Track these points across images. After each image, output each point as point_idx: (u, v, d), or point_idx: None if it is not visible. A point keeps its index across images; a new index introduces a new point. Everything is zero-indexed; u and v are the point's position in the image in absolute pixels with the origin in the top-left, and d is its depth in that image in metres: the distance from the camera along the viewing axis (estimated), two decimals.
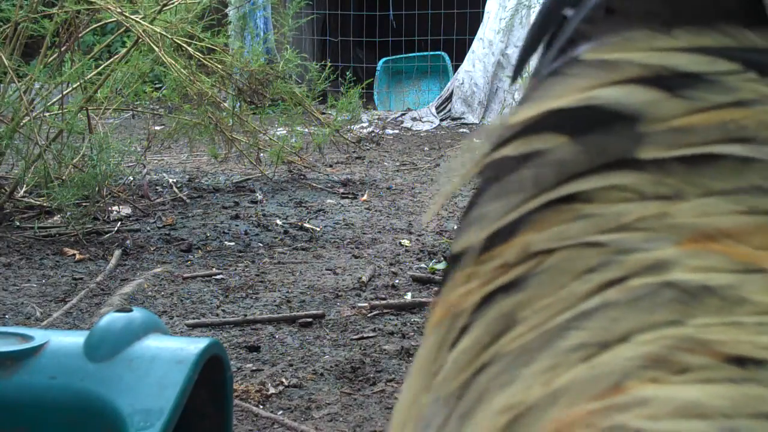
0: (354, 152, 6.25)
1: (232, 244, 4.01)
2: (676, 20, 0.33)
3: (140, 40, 4.45)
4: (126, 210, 4.49)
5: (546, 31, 0.38)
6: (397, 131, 7.73)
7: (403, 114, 8.35)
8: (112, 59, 4.76)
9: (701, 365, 0.29)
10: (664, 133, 0.32)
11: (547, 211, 0.34)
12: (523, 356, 0.32)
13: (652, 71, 0.33)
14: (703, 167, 0.31)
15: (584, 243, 0.32)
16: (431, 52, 9.43)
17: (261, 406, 2.42)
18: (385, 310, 3.14)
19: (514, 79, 0.41)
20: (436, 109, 8.26)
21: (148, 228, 4.25)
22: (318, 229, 4.29)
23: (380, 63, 9.36)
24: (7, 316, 3.07)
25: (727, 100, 0.32)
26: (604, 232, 0.32)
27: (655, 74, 0.33)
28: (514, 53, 8.18)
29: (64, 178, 4.16)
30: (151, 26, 4.37)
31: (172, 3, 4.58)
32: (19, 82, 4.20)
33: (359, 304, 3.19)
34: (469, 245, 0.36)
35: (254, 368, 2.67)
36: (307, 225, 4.33)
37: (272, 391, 2.50)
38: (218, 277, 3.53)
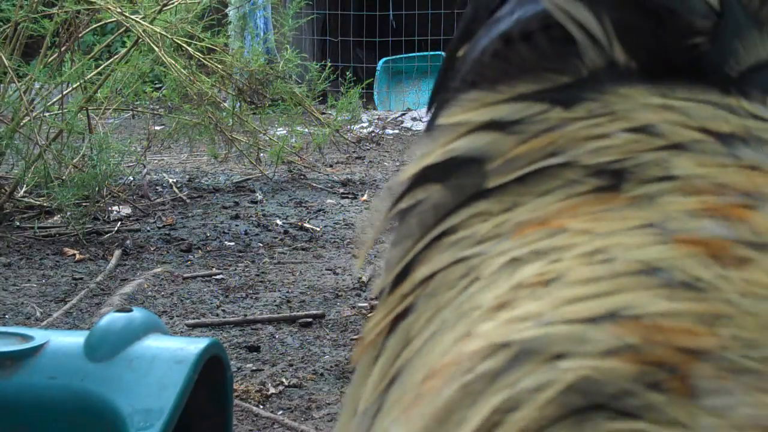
0: (354, 152, 6.25)
1: (232, 244, 4.01)
2: (504, 78, 0.45)
3: (140, 40, 4.46)
4: (126, 210, 4.49)
5: (437, 95, 0.50)
6: (397, 131, 7.73)
7: (403, 114, 8.35)
8: (112, 59, 4.77)
9: (525, 295, 0.39)
10: (503, 164, 0.43)
11: (430, 248, 0.44)
12: (417, 358, 0.41)
13: (487, 121, 0.44)
14: (532, 180, 0.43)
15: (454, 261, 0.43)
16: (431, 52, 9.42)
17: (261, 406, 2.42)
18: None
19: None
20: None
21: (148, 228, 4.25)
22: (318, 229, 4.29)
23: (380, 63, 9.36)
24: (7, 316, 3.07)
25: (541, 129, 0.43)
26: (467, 248, 0.42)
27: (489, 122, 0.44)
28: None
29: (64, 178, 4.16)
30: (151, 26, 4.38)
31: (172, 3, 4.58)
32: (19, 82, 4.20)
33: (359, 304, 3.20)
34: (381, 289, 0.46)
35: (254, 368, 2.67)
36: (307, 225, 4.34)
37: (272, 391, 2.50)
38: (218, 277, 3.53)
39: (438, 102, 0.48)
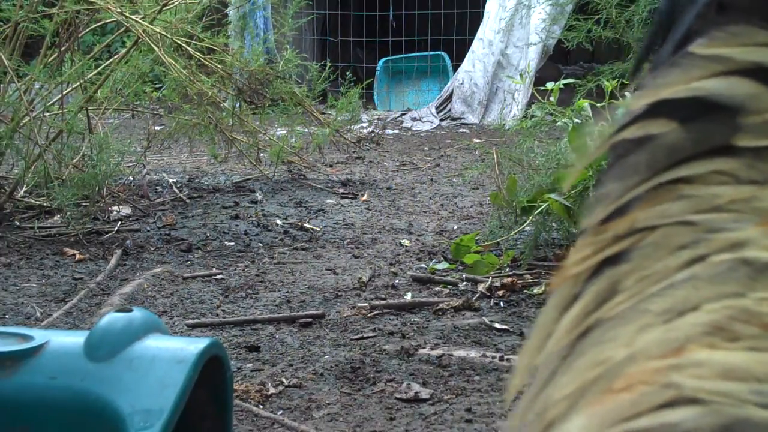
0: (354, 152, 6.25)
1: (232, 244, 4.01)
2: None
3: (140, 40, 4.45)
4: (126, 210, 4.49)
5: (664, 29, 0.42)
6: (397, 131, 7.73)
7: (403, 114, 8.35)
8: (112, 59, 4.76)
9: (750, 334, 0.32)
10: (760, 125, 0.36)
11: (656, 191, 0.38)
12: (620, 321, 0.36)
13: (752, 66, 0.37)
14: None
15: (681, 221, 0.37)
16: (431, 52, 9.42)
17: (261, 406, 2.42)
18: (385, 310, 3.14)
19: (633, 75, 0.45)
20: (436, 109, 8.26)
21: (148, 228, 4.25)
22: (318, 229, 4.29)
23: (380, 63, 9.35)
24: (7, 316, 3.07)
25: None
26: (699, 212, 0.36)
27: (755, 69, 0.37)
28: (514, 53, 8.17)
29: (64, 178, 4.16)
30: (150, 26, 4.37)
31: (172, 3, 4.58)
32: (19, 82, 4.20)
33: (359, 304, 3.19)
34: (592, 222, 0.40)
35: (254, 368, 2.67)
36: (307, 225, 4.33)
37: (272, 391, 2.50)
38: (218, 277, 3.53)
39: (682, 28, 0.41)
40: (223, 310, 3.16)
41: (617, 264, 0.38)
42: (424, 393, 2.47)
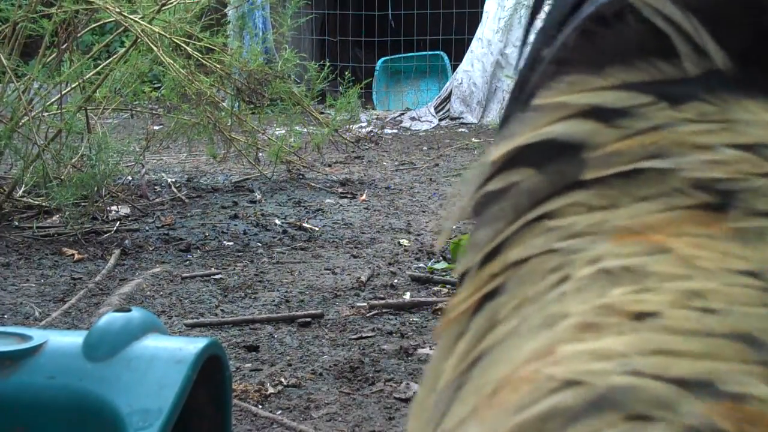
0: (353, 152, 6.25)
1: (231, 243, 4.01)
2: (606, 62, 0.43)
3: (139, 39, 4.45)
4: (125, 210, 4.49)
5: (520, 89, 0.48)
6: (395, 131, 7.73)
7: (402, 114, 8.35)
8: (110, 59, 4.76)
9: (613, 323, 0.37)
10: (602, 157, 0.42)
11: (522, 231, 0.43)
12: (501, 346, 0.41)
13: (588, 107, 0.43)
14: (632, 180, 0.41)
15: (547, 250, 0.41)
16: (430, 52, 9.42)
17: (260, 406, 2.42)
18: (383, 310, 3.14)
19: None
20: (435, 108, 8.26)
21: (147, 228, 4.25)
22: (317, 228, 4.29)
23: (379, 63, 9.35)
24: (5, 316, 3.07)
25: (646, 126, 0.42)
26: (562, 239, 0.41)
27: (591, 109, 0.43)
28: (512, 53, 8.18)
29: (62, 177, 4.16)
30: (149, 26, 4.37)
31: (171, 3, 4.58)
32: (17, 81, 4.20)
33: (358, 304, 3.19)
34: (467, 268, 0.44)
35: (253, 368, 2.67)
36: (305, 225, 4.33)
37: (271, 390, 2.50)
38: (217, 276, 3.53)
39: (530, 86, 0.46)
40: (221, 310, 3.16)
41: (494, 298, 0.42)
42: None
